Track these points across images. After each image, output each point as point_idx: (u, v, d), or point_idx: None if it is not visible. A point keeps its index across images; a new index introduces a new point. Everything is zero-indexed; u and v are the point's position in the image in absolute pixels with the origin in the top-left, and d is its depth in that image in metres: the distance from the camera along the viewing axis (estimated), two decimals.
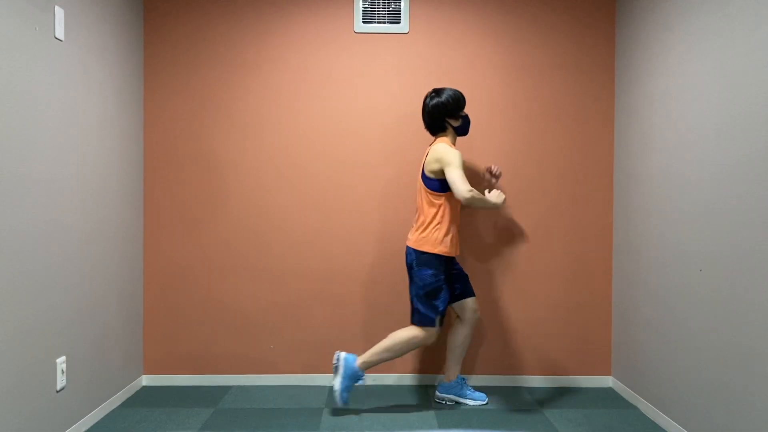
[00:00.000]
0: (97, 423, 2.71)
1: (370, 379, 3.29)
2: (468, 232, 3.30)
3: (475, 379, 3.30)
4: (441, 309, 2.81)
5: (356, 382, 2.82)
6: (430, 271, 2.79)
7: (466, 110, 3.24)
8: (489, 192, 2.90)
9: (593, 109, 3.29)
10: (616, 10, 3.27)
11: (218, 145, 3.27)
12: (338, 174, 3.29)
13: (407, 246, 2.88)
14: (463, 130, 2.92)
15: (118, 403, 2.96)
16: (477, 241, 3.30)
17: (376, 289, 3.30)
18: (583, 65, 3.29)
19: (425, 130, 3.23)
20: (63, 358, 2.44)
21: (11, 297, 2.10)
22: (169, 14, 3.25)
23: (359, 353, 3.29)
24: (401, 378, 3.31)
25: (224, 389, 3.20)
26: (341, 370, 2.81)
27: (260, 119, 3.27)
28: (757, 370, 2.06)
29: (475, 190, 2.68)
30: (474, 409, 2.93)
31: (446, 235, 2.80)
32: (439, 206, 2.80)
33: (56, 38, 2.38)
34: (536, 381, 3.31)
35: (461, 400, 2.99)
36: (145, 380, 3.28)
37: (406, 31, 3.27)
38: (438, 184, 2.78)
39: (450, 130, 2.90)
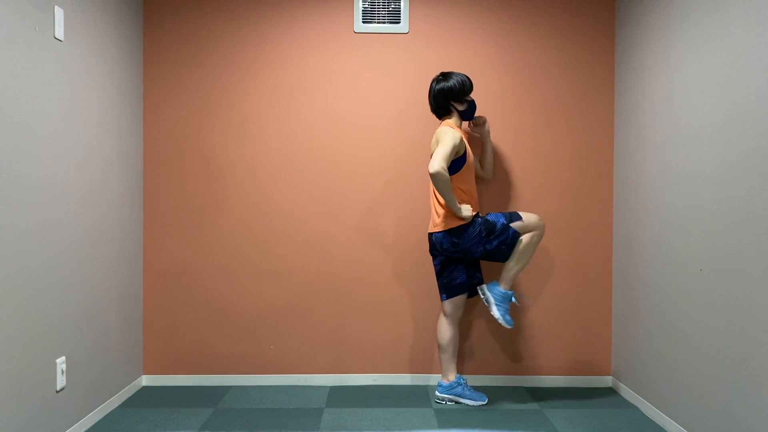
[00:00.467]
0: (96, 423, 2.71)
1: (371, 379, 3.29)
2: None
3: (475, 379, 3.29)
4: (503, 218, 2.84)
5: (510, 300, 2.89)
6: (469, 230, 2.81)
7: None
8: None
9: (593, 109, 3.29)
10: (616, 10, 3.27)
11: (218, 145, 3.27)
12: (338, 174, 3.29)
13: (434, 234, 2.90)
14: (468, 114, 2.95)
15: (118, 403, 2.96)
16: None
17: (377, 289, 3.30)
18: (583, 65, 3.29)
19: (420, 136, 3.23)
20: (63, 358, 2.44)
21: (11, 297, 2.09)
22: (169, 14, 3.25)
23: (359, 354, 3.29)
24: (401, 378, 3.31)
25: (224, 389, 3.20)
26: (492, 299, 2.86)
27: (260, 119, 3.27)
28: (757, 370, 2.06)
29: (447, 174, 2.67)
30: (474, 409, 2.93)
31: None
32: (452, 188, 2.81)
33: (56, 38, 2.38)
34: (536, 381, 3.31)
35: (461, 400, 2.98)
36: (145, 380, 3.28)
37: (406, 31, 3.27)
38: None
39: (455, 113, 2.92)
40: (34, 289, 2.24)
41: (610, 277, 3.30)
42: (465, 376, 3.17)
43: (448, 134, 2.76)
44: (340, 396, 3.10)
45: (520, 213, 2.87)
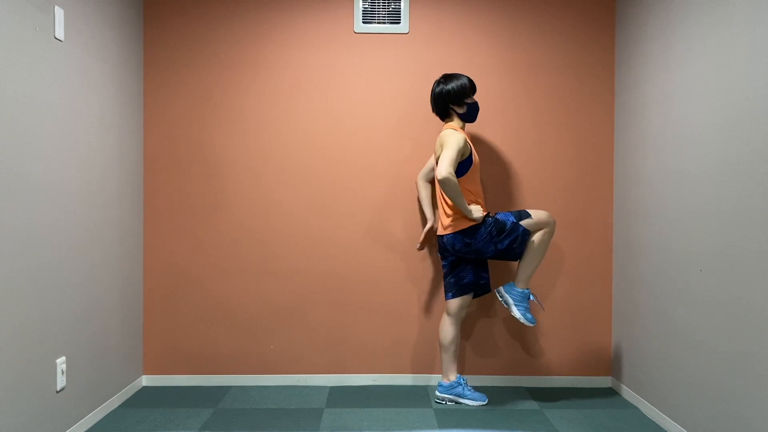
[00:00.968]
0: (97, 423, 2.71)
1: (371, 379, 3.29)
2: None
3: (475, 379, 3.29)
4: (512, 217, 2.84)
5: (529, 299, 2.89)
6: (481, 230, 2.81)
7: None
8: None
9: (593, 109, 3.29)
10: (616, 10, 3.27)
11: (218, 145, 3.27)
12: (338, 174, 3.29)
13: (444, 236, 2.90)
14: (469, 117, 2.95)
15: (118, 403, 2.96)
16: None
17: (377, 289, 3.30)
18: (583, 65, 3.29)
19: (420, 136, 3.23)
20: (63, 358, 2.44)
21: (11, 297, 2.09)
22: (169, 14, 3.25)
23: (359, 355, 3.29)
24: (401, 378, 3.31)
25: (224, 389, 3.20)
26: (511, 300, 2.87)
27: (260, 119, 3.27)
28: (757, 370, 2.06)
29: (455, 178, 2.68)
30: (474, 409, 2.93)
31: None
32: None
33: (56, 38, 2.38)
34: (536, 381, 3.31)
35: (461, 400, 2.98)
36: (145, 380, 3.28)
37: (406, 32, 3.27)
38: None
39: (455, 116, 2.92)
40: (34, 289, 2.24)
41: (610, 277, 3.31)
42: (465, 376, 3.17)
43: (452, 138, 2.76)
44: (340, 396, 3.10)
45: (529, 210, 2.88)
